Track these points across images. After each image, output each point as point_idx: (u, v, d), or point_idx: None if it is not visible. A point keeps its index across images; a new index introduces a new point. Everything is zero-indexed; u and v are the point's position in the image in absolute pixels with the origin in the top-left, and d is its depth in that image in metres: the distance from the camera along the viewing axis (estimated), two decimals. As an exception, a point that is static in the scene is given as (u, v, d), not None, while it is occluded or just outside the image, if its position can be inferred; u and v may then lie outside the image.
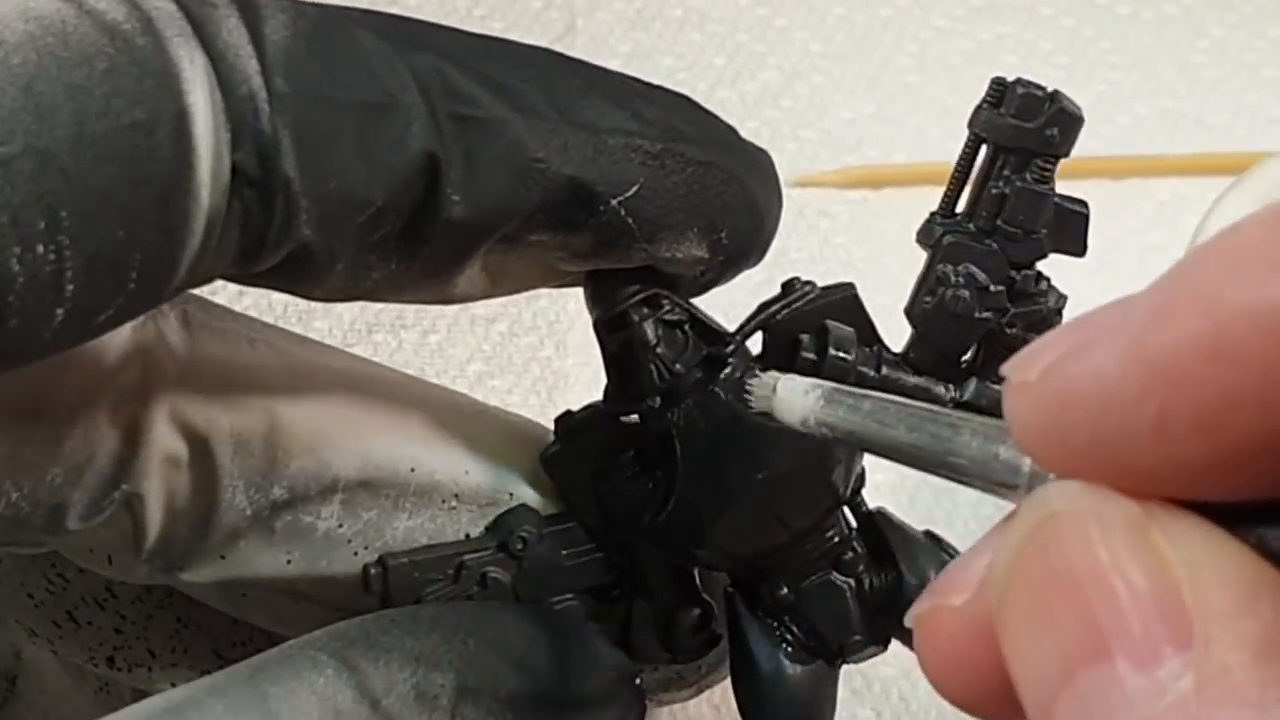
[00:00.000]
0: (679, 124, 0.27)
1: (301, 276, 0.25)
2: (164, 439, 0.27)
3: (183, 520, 0.28)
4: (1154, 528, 0.15)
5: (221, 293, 0.38)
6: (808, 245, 0.56)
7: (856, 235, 0.56)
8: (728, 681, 0.33)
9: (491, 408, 0.32)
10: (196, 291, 0.26)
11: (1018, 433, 0.17)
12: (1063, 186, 0.29)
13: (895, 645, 0.40)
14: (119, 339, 0.27)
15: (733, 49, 0.64)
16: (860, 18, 0.65)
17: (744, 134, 0.29)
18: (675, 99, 0.28)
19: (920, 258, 0.30)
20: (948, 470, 0.20)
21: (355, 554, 0.29)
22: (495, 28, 0.64)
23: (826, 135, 0.60)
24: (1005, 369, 0.17)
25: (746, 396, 0.28)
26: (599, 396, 0.31)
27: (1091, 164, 0.58)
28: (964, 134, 0.30)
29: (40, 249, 0.21)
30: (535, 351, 0.53)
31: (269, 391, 0.29)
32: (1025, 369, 0.17)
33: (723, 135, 0.28)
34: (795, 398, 0.25)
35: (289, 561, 0.29)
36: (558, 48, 0.27)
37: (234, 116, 0.23)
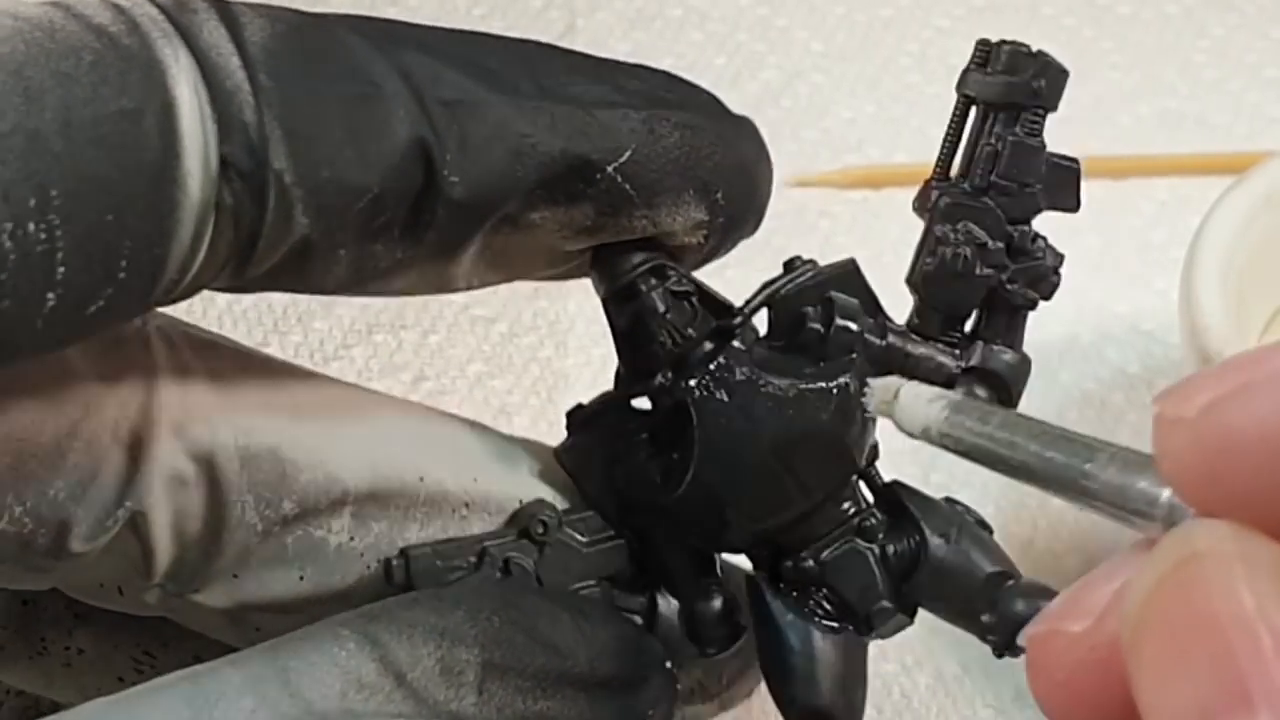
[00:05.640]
0: (661, 93, 0.28)
1: (306, 271, 0.25)
2: (168, 455, 0.27)
3: (193, 538, 0.28)
4: None
5: (219, 295, 0.38)
6: (808, 245, 0.55)
7: (857, 235, 0.56)
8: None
9: (491, 428, 0.32)
10: (190, 314, 0.26)
11: (1169, 469, 0.16)
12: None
13: (896, 642, 0.39)
14: (118, 358, 0.27)
15: (733, 49, 0.64)
16: (861, 17, 0.65)
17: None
18: (654, 73, 0.29)
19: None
20: (1077, 494, 0.19)
21: (368, 567, 0.29)
22: (495, 27, 0.64)
23: (827, 135, 0.60)
24: (1155, 401, 0.16)
25: (864, 398, 0.28)
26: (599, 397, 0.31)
27: (1092, 164, 0.57)
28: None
29: (32, 227, 0.21)
30: (535, 351, 0.53)
31: (271, 406, 0.29)
32: (1181, 404, 0.16)
33: (706, 102, 0.29)
34: (918, 405, 0.25)
35: (302, 578, 0.29)
36: (557, 47, 0.28)
37: (220, 110, 0.23)
